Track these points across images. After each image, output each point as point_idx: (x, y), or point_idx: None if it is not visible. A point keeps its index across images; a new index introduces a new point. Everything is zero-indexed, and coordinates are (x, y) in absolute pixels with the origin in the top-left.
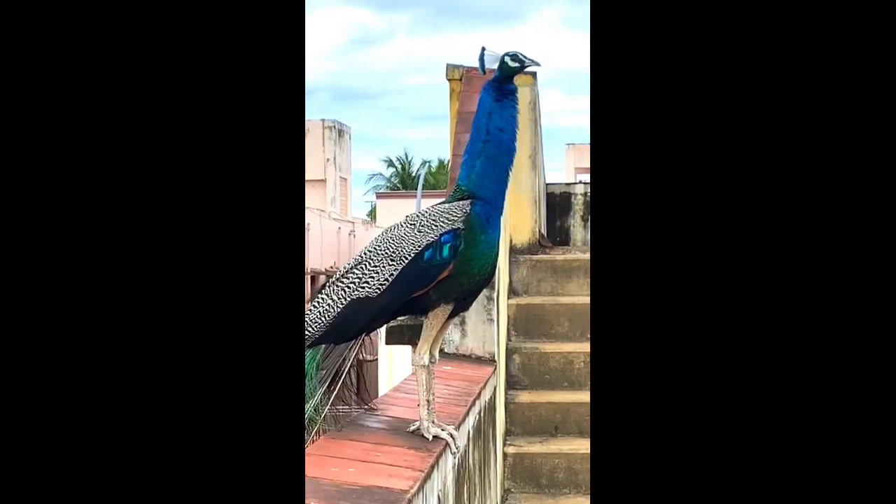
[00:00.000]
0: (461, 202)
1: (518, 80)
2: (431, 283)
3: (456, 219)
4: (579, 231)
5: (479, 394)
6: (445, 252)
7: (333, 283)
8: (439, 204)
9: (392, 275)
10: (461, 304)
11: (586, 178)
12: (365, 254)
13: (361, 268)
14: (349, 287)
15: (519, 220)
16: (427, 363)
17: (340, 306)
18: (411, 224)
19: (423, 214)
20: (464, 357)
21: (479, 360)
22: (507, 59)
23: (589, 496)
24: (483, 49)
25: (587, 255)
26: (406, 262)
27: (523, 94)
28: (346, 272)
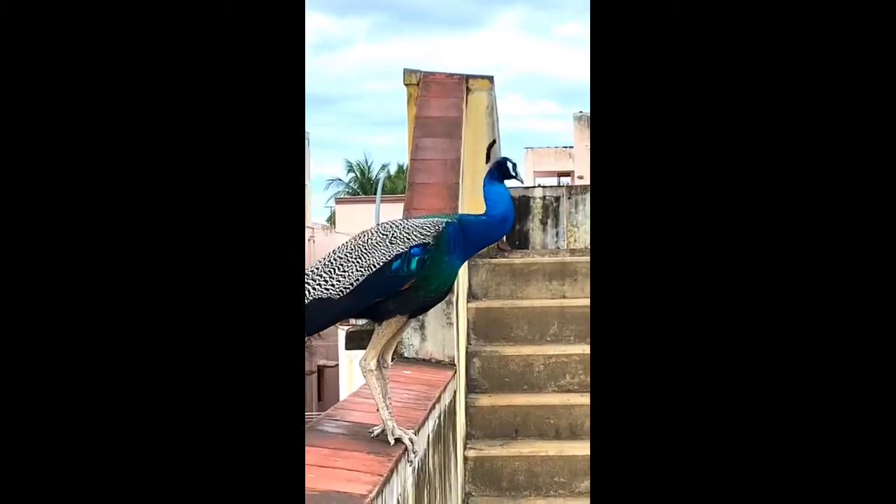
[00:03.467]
0: (436, 220)
1: (475, 84)
2: (394, 293)
3: (427, 234)
4: (538, 234)
5: (439, 398)
6: (413, 265)
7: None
8: (415, 218)
9: (358, 280)
10: (414, 314)
11: (545, 181)
12: (335, 258)
13: (329, 271)
14: (315, 288)
15: None
16: (374, 368)
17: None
18: (383, 234)
19: (396, 225)
20: (423, 361)
21: (438, 363)
22: (509, 165)
23: (548, 499)
24: (494, 144)
25: (546, 259)
26: (374, 269)
27: (481, 99)
28: (314, 275)
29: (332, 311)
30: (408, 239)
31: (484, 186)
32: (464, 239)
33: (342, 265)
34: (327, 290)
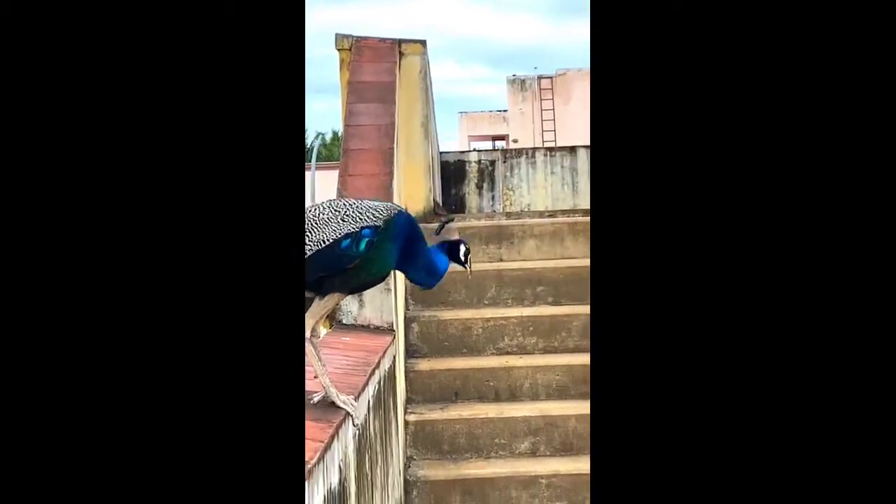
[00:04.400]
0: (390, 205)
1: (408, 48)
2: (339, 271)
3: (379, 217)
4: (474, 199)
5: (379, 363)
6: (362, 245)
7: None
8: (368, 200)
9: (306, 254)
10: (352, 292)
11: (480, 145)
12: None
13: None
14: None
15: (413, 189)
16: (310, 337)
17: None
18: (335, 210)
19: (349, 204)
20: (362, 327)
21: (377, 329)
22: (462, 249)
23: (489, 460)
24: (451, 220)
25: (482, 223)
26: (323, 245)
27: (413, 63)
28: None
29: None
30: (360, 219)
31: (431, 248)
32: (406, 237)
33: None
34: None
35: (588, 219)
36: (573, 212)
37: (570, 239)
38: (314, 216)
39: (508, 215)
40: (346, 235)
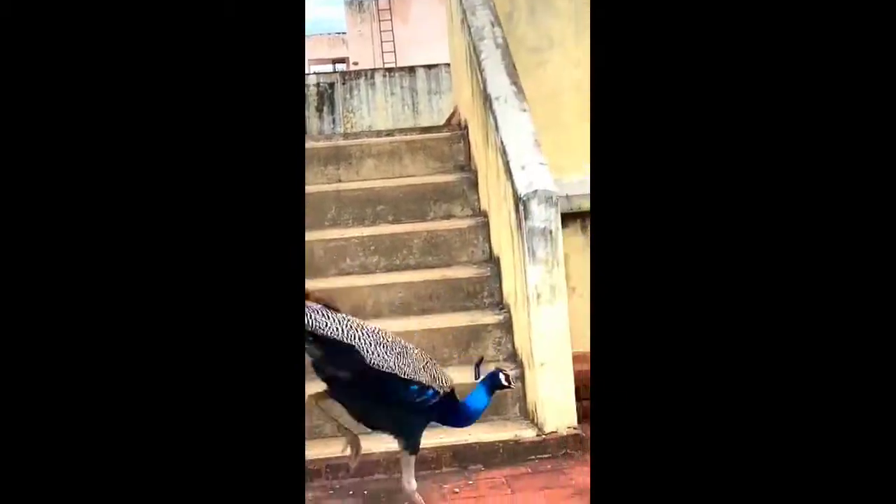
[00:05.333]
0: (450, 379)
1: None
2: (388, 397)
3: (443, 387)
4: (314, 122)
5: None
6: (417, 398)
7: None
8: (439, 364)
9: (382, 365)
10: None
11: (320, 69)
12: (382, 336)
13: (378, 341)
14: (355, 337)
15: None
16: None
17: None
18: (422, 356)
19: (434, 362)
20: None
21: None
22: (501, 376)
23: None
24: (482, 360)
25: (320, 144)
26: (399, 372)
27: None
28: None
29: (353, 363)
30: (434, 379)
31: (476, 390)
32: (442, 413)
33: (383, 344)
34: (364, 348)
35: (426, 136)
36: (411, 130)
37: (408, 157)
38: (405, 347)
39: (346, 136)
40: (418, 382)
